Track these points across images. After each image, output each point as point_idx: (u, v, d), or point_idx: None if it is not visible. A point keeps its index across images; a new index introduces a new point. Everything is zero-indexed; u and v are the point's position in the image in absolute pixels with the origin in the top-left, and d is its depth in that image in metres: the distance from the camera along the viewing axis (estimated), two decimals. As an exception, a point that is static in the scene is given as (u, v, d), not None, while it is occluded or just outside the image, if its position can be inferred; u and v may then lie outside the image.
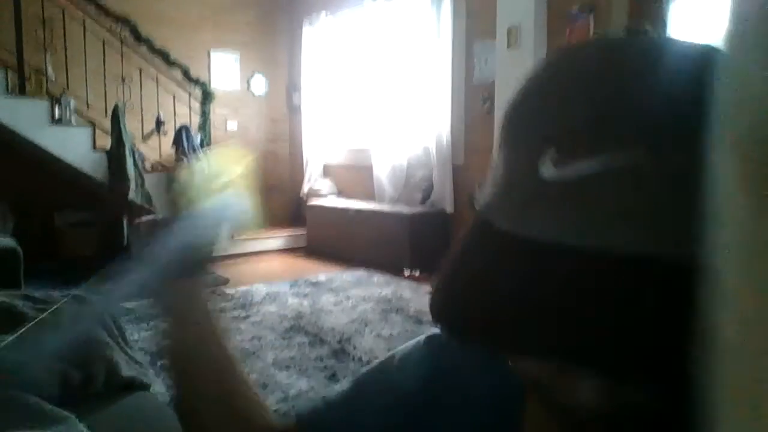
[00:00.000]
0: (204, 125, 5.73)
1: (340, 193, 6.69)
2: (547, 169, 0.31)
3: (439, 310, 0.35)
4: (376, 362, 0.60)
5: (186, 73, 5.54)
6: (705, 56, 0.32)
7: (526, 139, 0.34)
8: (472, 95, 5.15)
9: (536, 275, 0.30)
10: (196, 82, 5.61)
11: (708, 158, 0.27)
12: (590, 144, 0.30)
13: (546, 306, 0.29)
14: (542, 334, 0.29)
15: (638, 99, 0.30)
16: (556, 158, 0.31)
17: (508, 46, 4.37)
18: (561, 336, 0.29)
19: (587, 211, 0.29)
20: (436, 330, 0.56)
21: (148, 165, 5.67)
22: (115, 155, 5.05)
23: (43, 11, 5.09)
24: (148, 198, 5.20)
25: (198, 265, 0.67)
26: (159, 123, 6.08)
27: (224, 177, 0.64)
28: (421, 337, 0.57)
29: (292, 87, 7.52)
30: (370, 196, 6.08)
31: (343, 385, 0.60)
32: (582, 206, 0.29)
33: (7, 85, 4.86)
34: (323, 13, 6.66)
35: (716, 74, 0.22)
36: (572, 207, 0.30)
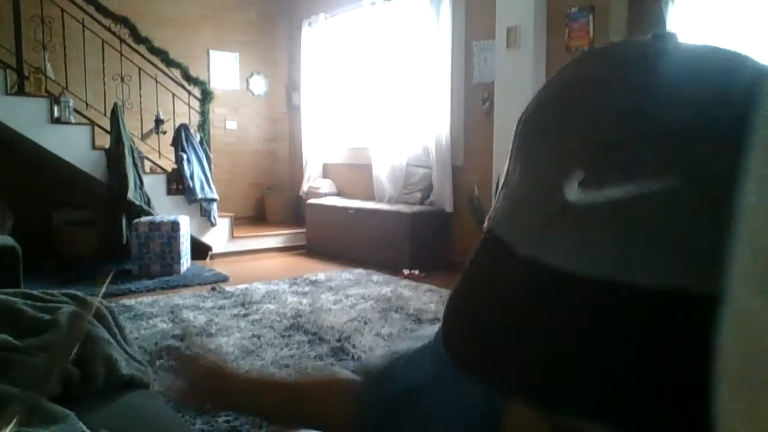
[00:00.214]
0: (203, 124, 5.73)
1: (340, 192, 6.69)
2: (572, 190, 0.28)
3: (445, 336, 0.31)
4: (418, 344, 0.60)
5: (185, 73, 5.54)
6: (745, 68, 0.30)
7: (547, 154, 0.31)
8: (471, 95, 5.15)
9: (553, 306, 0.27)
10: (196, 81, 5.62)
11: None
12: (622, 165, 0.27)
13: (561, 344, 0.26)
14: (552, 381, 0.26)
15: (678, 117, 0.27)
16: (583, 178, 0.28)
17: (508, 46, 4.38)
18: (577, 384, 0.26)
19: (619, 239, 0.26)
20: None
21: (147, 166, 5.66)
22: (114, 154, 5.05)
23: (42, 10, 5.10)
24: (146, 198, 5.20)
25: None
26: (158, 122, 6.08)
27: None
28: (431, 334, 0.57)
29: (291, 87, 7.53)
30: (369, 195, 6.08)
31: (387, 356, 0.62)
32: (613, 234, 0.27)
33: (6, 84, 4.86)
34: (322, 15, 6.67)
35: None
36: (602, 234, 0.27)
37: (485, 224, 0.34)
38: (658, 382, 0.25)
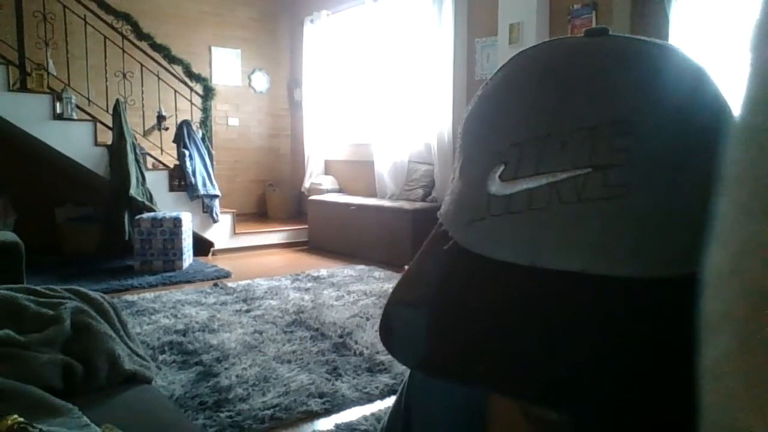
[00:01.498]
0: (205, 121, 5.73)
1: (342, 188, 6.69)
2: (494, 184, 0.31)
3: (383, 326, 0.33)
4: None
5: (187, 69, 5.54)
6: (665, 63, 0.31)
7: (477, 153, 0.33)
8: (473, 92, 5.09)
9: (484, 293, 0.29)
10: (198, 78, 5.61)
11: (659, 179, 0.27)
12: (535, 160, 0.29)
13: (493, 328, 0.28)
14: (482, 362, 0.27)
15: (588, 113, 0.29)
16: (502, 173, 0.30)
17: (510, 42, 4.37)
18: (500, 365, 0.27)
19: (531, 225, 0.29)
20: None
21: (149, 162, 5.67)
22: (117, 150, 5.06)
23: (44, 7, 5.10)
24: (148, 195, 5.20)
25: None
26: (160, 118, 6.08)
27: None
28: None
29: (293, 83, 7.52)
30: (371, 191, 6.09)
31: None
32: (526, 220, 0.29)
33: (8, 81, 4.86)
34: (324, 11, 6.67)
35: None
36: (517, 221, 0.29)
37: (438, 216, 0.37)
38: (550, 351, 0.26)
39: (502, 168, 0.31)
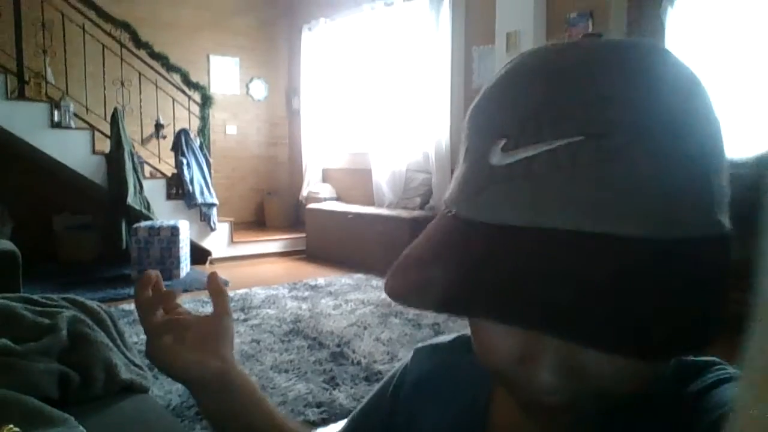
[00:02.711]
0: (203, 129, 5.73)
1: (339, 197, 6.69)
2: (496, 155, 0.34)
3: (392, 286, 0.36)
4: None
5: (185, 78, 5.55)
6: (639, 54, 0.35)
7: (481, 134, 0.37)
8: (471, 100, 5.13)
9: (490, 253, 0.32)
10: (196, 86, 5.61)
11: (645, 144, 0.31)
12: (535, 131, 0.33)
13: (500, 279, 0.31)
14: (498, 303, 0.31)
15: (579, 95, 0.33)
16: (504, 145, 0.34)
17: (507, 50, 4.39)
18: (507, 302, 0.30)
19: (530, 189, 0.32)
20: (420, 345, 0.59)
21: (147, 170, 5.66)
22: (114, 159, 5.05)
23: (42, 15, 5.11)
24: (146, 203, 5.20)
25: None
26: (158, 127, 6.08)
27: None
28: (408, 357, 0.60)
29: (291, 91, 7.54)
30: (369, 200, 6.08)
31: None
32: (527, 185, 0.32)
33: (6, 89, 4.86)
34: (322, 19, 6.69)
35: None
36: (517, 186, 0.32)
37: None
38: (558, 298, 0.29)
39: (503, 141, 0.34)
